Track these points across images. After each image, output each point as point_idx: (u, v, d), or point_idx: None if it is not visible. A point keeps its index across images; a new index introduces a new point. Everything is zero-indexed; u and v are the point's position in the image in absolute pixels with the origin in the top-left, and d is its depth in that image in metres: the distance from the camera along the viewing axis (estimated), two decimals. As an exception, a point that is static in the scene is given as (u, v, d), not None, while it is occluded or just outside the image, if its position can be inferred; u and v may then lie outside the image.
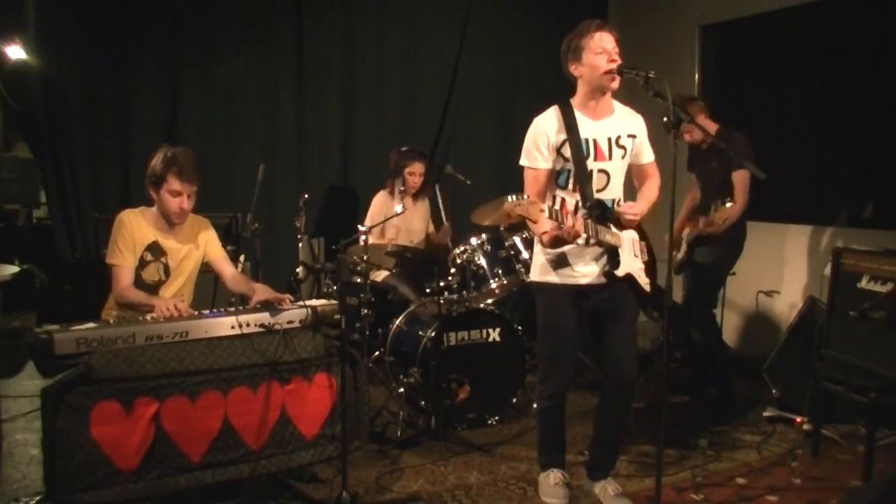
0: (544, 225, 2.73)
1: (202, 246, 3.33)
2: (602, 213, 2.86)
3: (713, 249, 4.07)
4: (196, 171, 3.16)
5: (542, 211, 2.63)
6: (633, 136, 2.94)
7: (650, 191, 3.03)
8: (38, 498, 2.92)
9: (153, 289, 3.20)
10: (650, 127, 3.00)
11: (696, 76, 5.64)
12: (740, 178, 3.96)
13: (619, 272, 2.88)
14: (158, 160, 3.15)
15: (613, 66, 2.76)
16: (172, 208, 3.16)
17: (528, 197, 2.61)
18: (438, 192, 4.64)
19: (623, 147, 2.91)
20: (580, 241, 2.80)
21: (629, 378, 2.99)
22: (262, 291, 3.08)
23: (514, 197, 2.60)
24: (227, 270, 3.33)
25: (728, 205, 3.84)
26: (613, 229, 2.88)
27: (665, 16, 5.84)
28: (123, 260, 3.14)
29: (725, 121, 4.19)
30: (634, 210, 2.90)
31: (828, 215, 4.87)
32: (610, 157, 2.89)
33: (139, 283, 3.18)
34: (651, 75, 2.66)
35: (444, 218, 4.65)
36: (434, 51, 5.70)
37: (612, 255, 2.89)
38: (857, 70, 4.67)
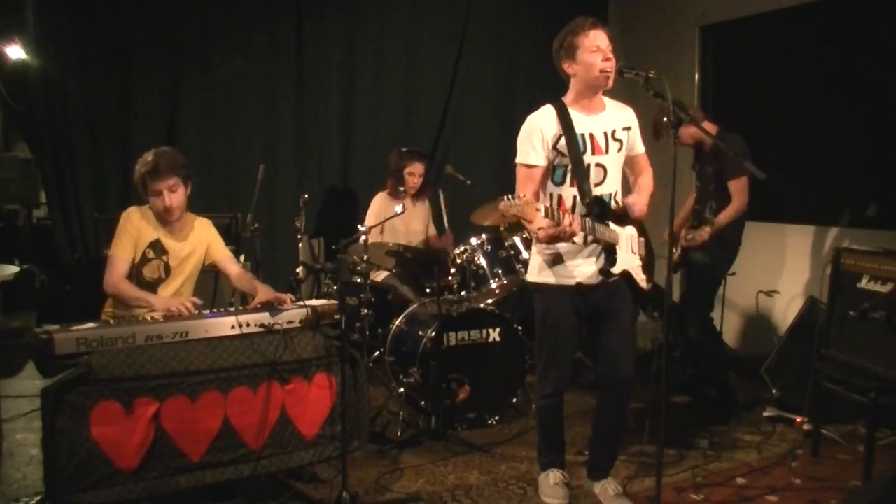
0: (540, 222, 2.71)
1: (204, 248, 3.34)
2: (601, 211, 2.86)
3: (709, 251, 4.06)
4: (170, 164, 3.14)
5: (537, 210, 2.61)
6: (628, 129, 2.95)
7: (647, 182, 3.06)
8: (38, 498, 2.92)
9: (152, 286, 3.21)
10: (647, 127, 3.00)
11: (696, 76, 5.64)
12: (737, 185, 3.95)
13: (616, 269, 2.89)
14: (137, 167, 3.17)
15: (608, 64, 2.77)
16: (159, 207, 3.18)
17: (524, 196, 2.61)
18: (442, 197, 4.60)
19: (619, 140, 2.92)
20: (577, 239, 2.80)
21: (626, 377, 2.99)
22: (263, 292, 3.07)
23: (508, 197, 2.60)
24: (233, 270, 3.35)
25: (707, 227, 3.88)
26: (612, 226, 2.88)
27: (665, 16, 5.83)
28: (122, 251, 3.15)
29: (725, 121, 4.19)
30: (640, 203, 2.92)
31: (828, 215, 4.87)
32: (607, 151, 2.89)
33: (139, 279, 3.19)
34: (651, 75, 2.66)
35: (445, 224, 4.64)
36: (434, 51, 5.69)
37: (609, 252, 2.89)
38: (857, 70, 4.67)
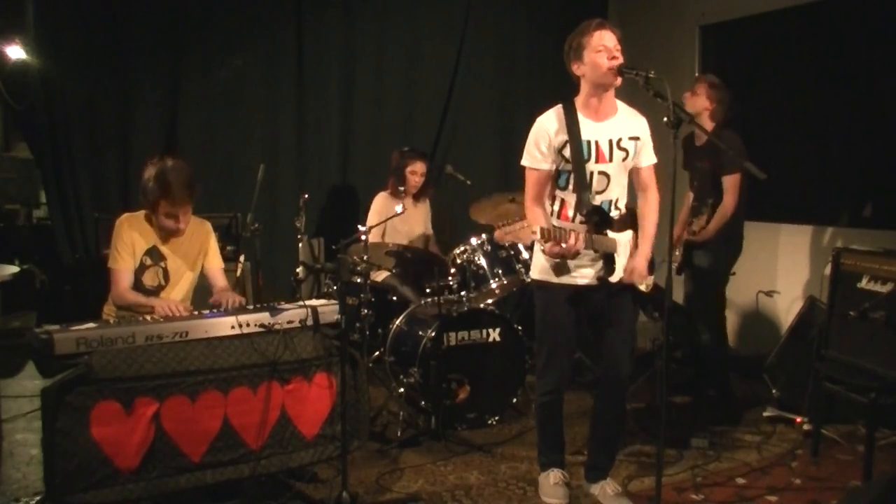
0: (539, 241, 2.74)
1: (201, 253, 3.33)
2: (600, 220, 2.86)
3: (710, 250, 4.06)
4: (189, 190, 3.12)
5: (533, 233, 2.65)
6: (636, 139, 2.93)
7: (649, 224, 2.99)
8: (38, 498, 2.92)
9: (154, 293, 3.21)
10: (651, 126, 3.00)
11: (696, 76, 5.62)
12: (730, 181, 3.95)
13: (614, 278, 2.89)
14: (151, 181, 3.09)
15: (615, 63, 2.76)
16: (169, 228, 3.18)
17: (518, 220, 2.65)
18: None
19: (625, 149, 2.90)
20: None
21: (624, 377, 3.00)
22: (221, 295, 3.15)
23: (500, 224, 2.64)
24: (219, 283, 3.34)
25: (704, 216, 3.88)
26: (611, 234, 2.88)
27: (665, 16, 5.83)
28: (123, 263, 3.15)
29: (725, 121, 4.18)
30: (639, 270, 2.91)
31: (828, 215, 4.87)
32: (611, 160, 2.88)
33: (140, 287, 3.19)
34: (651, 75, 2.66)
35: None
36: (434, 51, 5.69)
37: (608, 261, 2.89)
38: (856, 70, 4.67)
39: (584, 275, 2.92)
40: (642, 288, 3.00)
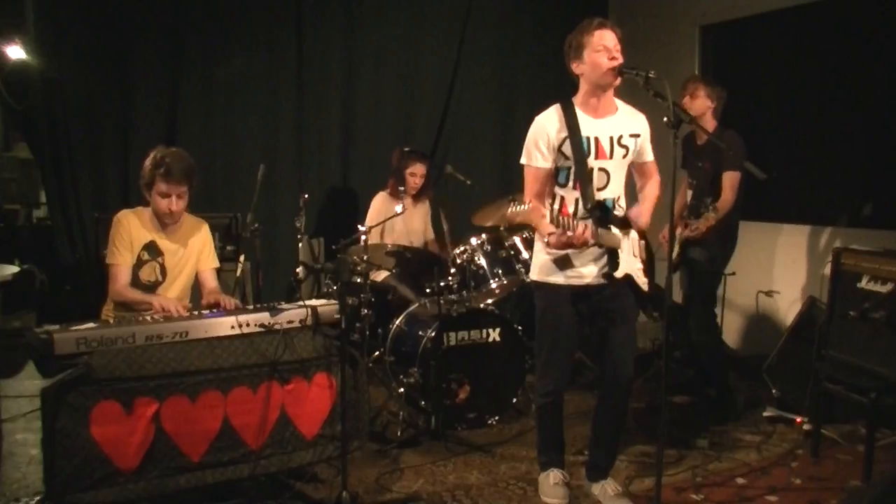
0: (547, 228, 2.74)
1: (197, 251, 3.34)
2: (603, 215, 2.86)
3: (706, 248, 4.06)
4: (185, 172, 3.15)
5: (543, 216, 2.64)
6: (637, 136, 2.94)
7: (652, 190, 3.05)
8: (38, 498, 2.92)
9: (150, 289, 3.22)
10: (651, 126, 3.00)
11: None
12: (730, 179, 3.95)
13: (618, 273, 2.89)
14: (148, 163, 3.16)
15: (614, 63, 2.76)
16: (162, 209, 3.18)
17: (530, 203, 2.62)
18: (442, 216, 4.64)
19: (625, 146, 2.91)
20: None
21: (626, 378, 2.99)
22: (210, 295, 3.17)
23: (514, 204, 2.61)
24: (210, 284, 3.34)
25: (711, 213, 3.88)
26: (614, 230, 2.88)
27: (665, 16, 5.83)
28: (121, 259, 3.15)
29: (725, 121, 4.18)
30: (644, 216, 2.93)
31: (828, 215, 4.87)
32: (611, 156, 2.89)
33: (136, 283, 3.20)
34: (651, 75, 2.66)
35: (445, 234, 4.68)
36: (434, 51, 5.69)
37: (612, 256, 2.89)
38: (857, 70, 4.67)
39: (584, 274, 2.92)
40: (644, 287, 3.00)
